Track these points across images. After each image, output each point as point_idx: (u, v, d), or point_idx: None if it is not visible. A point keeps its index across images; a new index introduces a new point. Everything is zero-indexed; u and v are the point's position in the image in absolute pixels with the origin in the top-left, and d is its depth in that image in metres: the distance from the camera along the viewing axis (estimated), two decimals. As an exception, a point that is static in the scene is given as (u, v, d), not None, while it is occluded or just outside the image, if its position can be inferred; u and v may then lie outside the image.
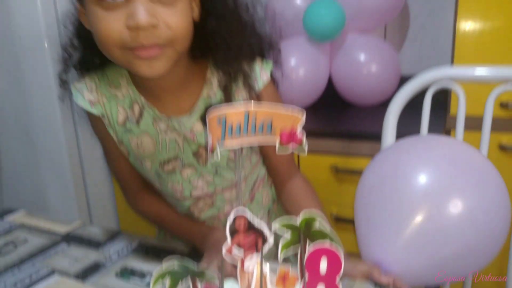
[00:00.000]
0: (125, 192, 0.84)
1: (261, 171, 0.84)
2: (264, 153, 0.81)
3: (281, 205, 0.86)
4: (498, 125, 1.11)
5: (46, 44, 1.37)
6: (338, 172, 1.24)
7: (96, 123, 0.73)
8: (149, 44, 0.56)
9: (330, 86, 1.49)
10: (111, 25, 0.56)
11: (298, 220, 0.44)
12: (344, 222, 1.28)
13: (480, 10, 1.09)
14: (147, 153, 0.72)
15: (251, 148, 0.77)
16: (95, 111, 0.70)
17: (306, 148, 0.57)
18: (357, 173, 1.22)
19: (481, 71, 0.84)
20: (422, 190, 0.60)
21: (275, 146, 0.76)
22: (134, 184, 0.81)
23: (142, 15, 0.54)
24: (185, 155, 0.73)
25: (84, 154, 1.56)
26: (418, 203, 0.59)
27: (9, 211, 0.94)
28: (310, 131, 1.24)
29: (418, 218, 0.58)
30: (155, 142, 0.71)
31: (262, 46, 0.74)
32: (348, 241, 1.19)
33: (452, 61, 1.18)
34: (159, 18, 0.56)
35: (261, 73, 0.72)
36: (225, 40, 0.66)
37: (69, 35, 0.71)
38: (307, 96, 1.45)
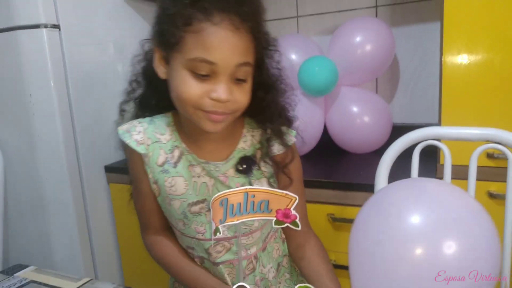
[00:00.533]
0: (144, 231, 0.90)
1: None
2: None
3: (294, 261, 0.91)
4: (485, 174, 1.17)
5: (55, 102, 1.44)
6: (335, 221, 1.28)
7: (135, 161, 0.81)
8: (220, 112, 0.71)
9: (326, 135, 1.56)
10: (195, 91, 0.69)
11: (295, 289, 0.48)
12: (343, 269, 1.31)
13: (464, 60, 1.16)
14: (178, 194, 0.79)
15: None
16: (139, 149, 0.79)
17: (299, 224, 0.63)
18: (350, 222, 1.26)
19: (465, 132, 0.91)
20: (413, 233, 0.59)
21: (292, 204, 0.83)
22: (155, 224, 0.88)
23: (224, 93, 0.69)
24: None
25: (90, 211, 1.60)
26: (408, 247, 0.58)
27: (20, 267, 0.98)
28: (308, 181, 1.30)
29: (410, 262, 0.57)
30: (187, 184, 0.79)
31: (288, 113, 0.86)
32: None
33: (440, 110, 1.24)
34: (234, 96, 0.71)
35: (289, 135, 0.85)
36: (269, 105, 0.80)
37: (136, 72, 0.84)
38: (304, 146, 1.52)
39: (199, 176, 0.79)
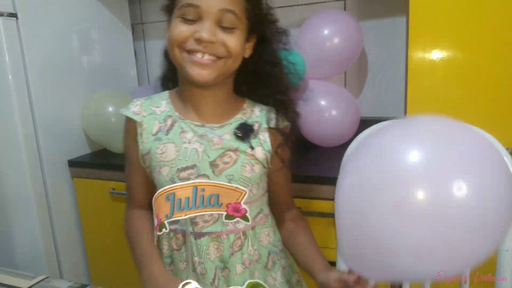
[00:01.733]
0: (127, 203, 0.93)
1: (265, 209, 0.90)
2: (272, 185, 0.91)
3: (286, 245, 0.92)
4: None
5: (13, 93, 1.39)
6: (304, 214, 1.28)
7: (130, 132, 0.86)
8: (206, 52, 0.75)
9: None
10: (181, 32, 0.76)
11: (244, 286, 0.47)
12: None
13: (430, 56, 1.17)
14: (168, 159, 0.82)
15: (260, 178, 0.85)
16: (136, 118, 0.85)
17: (250, 218, 0.62)
18: (318, 215, 1.27)
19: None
20: (415, 175, 0.50)
21: (282, 181, 0.90)
22: (138, 198, 0.90)
23: (206, 33, 0.74)
24: (202, 165, 0.81)
25: (53, 207, 1.56)
26: (413, 186, 0.49)
27: (-29, 266, 0.94)
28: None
29: (415, 203, 0.48)
30: (177, 149, 0.82)
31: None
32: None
33: (405, 105, 1.25)
34: (218, 38, 0.75)
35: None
36: (276, 79, 0.86)
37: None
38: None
39: (189, 142, 0.82)
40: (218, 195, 0.78)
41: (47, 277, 0.88)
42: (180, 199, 0.75)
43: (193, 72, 0.76)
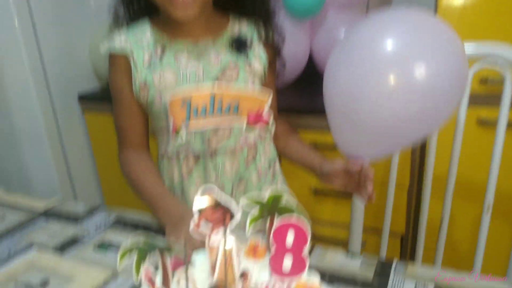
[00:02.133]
0: (121, 148, 0.87)
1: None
2: None
3: (281, 149, 0.93)
4: (477, 100, 1.14)
5: (18, 29, 1.37)
6: (317, 147, 1.26)
7: (121, 68, 0.81)
8: None
9: (311, 62, 1.50)
10: None
11: (266, 196, 0.45)
12: (323, 194, 1.34)
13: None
14: (169, 85, 0.78)
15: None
16: (125, 52, 0.80)
17: (272, 129, 0.59)
18: (334, 149, 1.25)
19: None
20: (386, 58, 0.61)
21: (273, 93, 0.83)
22: (133, 139, 0.86)
23: None
24: (205, 84, 0.78)
25: (65, 140, 1.57)
26: (382, 69, 0.61)
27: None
28: (291, 108, 1.27)
29: (383, 84, 0.61)
30: (176, 74, 0.79)
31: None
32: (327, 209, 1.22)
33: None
34: None
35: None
36: None
37: None
38: (288, 73, 1.46)
39: (186, 67, 0.79)
40: (237, 103, 0.76)
41: (61, 199, 0.88)
42: (197, 107, 0.72)
43: (178, 15, 0.72)
